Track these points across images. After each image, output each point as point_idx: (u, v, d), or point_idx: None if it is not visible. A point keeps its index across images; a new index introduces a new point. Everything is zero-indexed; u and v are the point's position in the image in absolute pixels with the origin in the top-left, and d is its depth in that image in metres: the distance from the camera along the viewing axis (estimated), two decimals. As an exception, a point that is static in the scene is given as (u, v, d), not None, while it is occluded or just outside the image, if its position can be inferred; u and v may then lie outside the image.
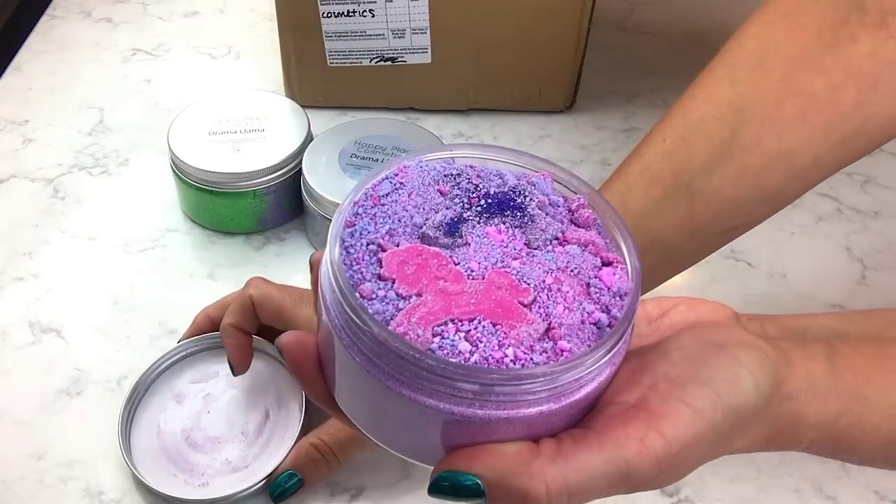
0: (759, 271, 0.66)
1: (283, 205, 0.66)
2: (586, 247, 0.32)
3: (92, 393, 0.56)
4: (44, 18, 0.87)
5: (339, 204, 0.31)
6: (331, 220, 0.31)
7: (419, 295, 0.29)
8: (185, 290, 0.63)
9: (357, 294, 0.28)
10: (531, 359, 0.28)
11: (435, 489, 0.30)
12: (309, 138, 0.66)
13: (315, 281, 0.33)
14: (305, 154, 0.64)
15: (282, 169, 0.64)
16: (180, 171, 0.64)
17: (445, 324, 0.28)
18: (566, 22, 0.70)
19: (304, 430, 0.51)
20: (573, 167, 0.70)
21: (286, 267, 0.64)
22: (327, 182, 0.62)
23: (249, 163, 0.63)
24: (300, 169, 0.64)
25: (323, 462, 0.50)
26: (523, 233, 0.31)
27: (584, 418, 0.31)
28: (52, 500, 0.51)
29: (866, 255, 0.67)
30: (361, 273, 0.29)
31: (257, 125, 0.66)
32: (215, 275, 0.64)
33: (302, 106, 0.68)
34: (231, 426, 0.52)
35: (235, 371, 0.52)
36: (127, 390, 0.53)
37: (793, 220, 0.70)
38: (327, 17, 0.69)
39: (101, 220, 0.68)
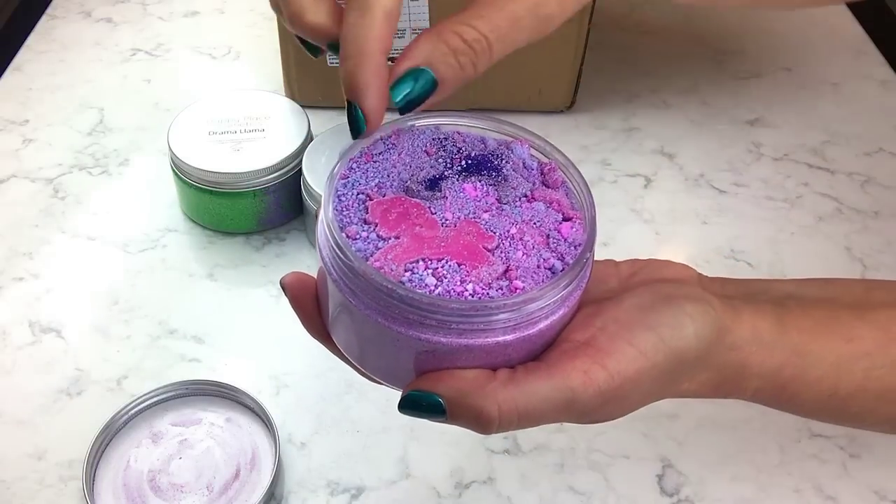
0: (759, 271, 0.65)
1: (283, 205, 0.66)
2: (551, 204, 0.35)
3: (92, 393, 0.56)
4: (44, 18, 0.87)
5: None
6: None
7: (397, 238, 0.33)
8: (185, 290, 0.63)
9: (344, 234, 0.33)
10: (488, 293, 0.31)
11: (404, 405, 0.33)
12: (309, 138, 0.66)
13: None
14: (305, 154, 0.64)
15: (282, 169, 0.64)
16: (180, 171, 0.64)
17: (417, 262, 0.32)
18: (566, 22, 0.70)
19: (267, 499, 0.49)
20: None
21: (286, 267, 0.64)
22: (327, 182, 0.62)
23: (249, 163, 0.63)
24: (300, 169, 0.64)
25: (469, 54, 0.34)
26: (496, 190, 0.35)
27: (541, 355, 0.34)
28: (52, 500, 0.51)
29: (866, 255, 0.67)
30: (350, 217, 0.33)
31: (257, 125, 0.66)
32: (215, 275, 0.64)
33: (302, 106, 0.68)
34: (199, 477, 0.50)
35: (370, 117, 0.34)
36: (106, 419, 0.52)
37: (793, 220, 0.70)
38: (327, 17, 0.69)
39: (100, 220, 0.68)
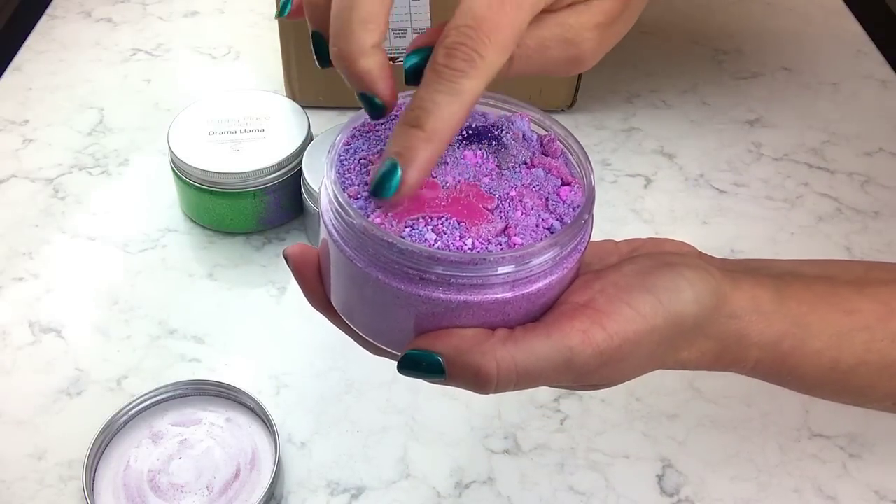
0: (759, 271, 0.65)
1: (283, 205, 0.66)
2: (550, 170, 0.36)
3: (92, 393, 0.56)
4: (44, 18, 0.87)
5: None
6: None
7: None
8: (185, 290, 0.63)
9: (346, 194, 0.33)
10: (487, 248, 0.32)
11: (403, 365, 0.33)
12: (309, 138, 0.66)
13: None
14: (305, 154, 0.64)
15: (282, 169, 0.64)
16: (180, 171, 0.64)
17: (417, 219, 0.32)
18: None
19: (267, 499, 0.49)
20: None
21: (286, 267, 0.64)
22: (327, 182, 0.62)
23: (249, 163, 0.63)
24: (300, 169, 0.64)
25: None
26: (496, 157, 0.36)
27: (539, 317, 0.34)
28: (52, 500, 0.51)
29: (866, 256, 0.67)
30: (351, 179, 0.34)
31: (257, 125, 0.66)
32: (215, 275, 0.64)
33: (302, 106, 0.68)
34: (199, 477, 0.51)
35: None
36: (106, 419, 0.52)
37: (793, 220, 0.70)
38: (327, 17, 0.69)
39: (100, 220, 0.68)
